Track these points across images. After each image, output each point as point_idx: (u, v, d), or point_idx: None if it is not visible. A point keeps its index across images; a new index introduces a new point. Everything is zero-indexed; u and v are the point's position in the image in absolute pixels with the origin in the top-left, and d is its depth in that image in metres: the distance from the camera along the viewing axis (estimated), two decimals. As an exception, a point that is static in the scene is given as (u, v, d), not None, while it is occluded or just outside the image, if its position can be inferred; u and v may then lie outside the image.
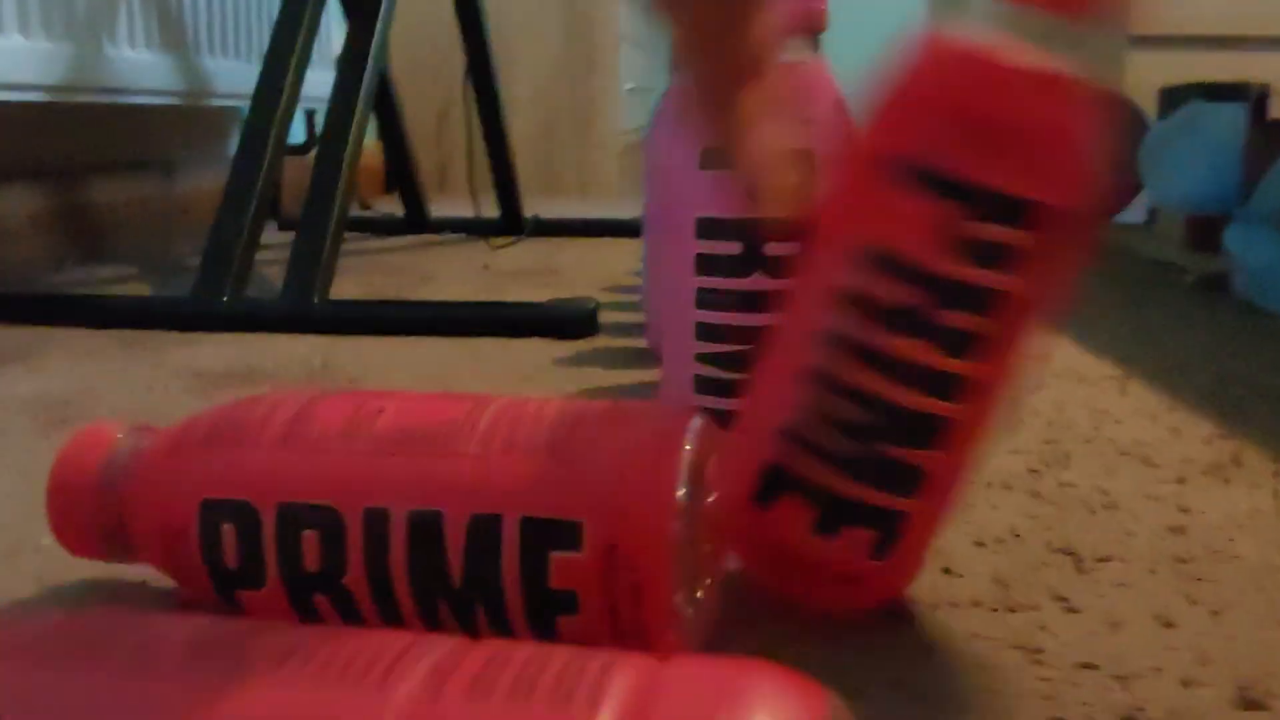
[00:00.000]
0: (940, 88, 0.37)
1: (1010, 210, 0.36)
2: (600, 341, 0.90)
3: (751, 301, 0.48)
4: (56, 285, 1.14)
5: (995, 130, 0.36)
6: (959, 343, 0.37)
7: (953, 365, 0.37)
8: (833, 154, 0.49)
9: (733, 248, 0.48)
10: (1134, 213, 1.82)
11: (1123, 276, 1.27)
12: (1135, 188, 1.70)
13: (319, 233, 0.97)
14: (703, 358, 0.50)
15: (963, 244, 0.36)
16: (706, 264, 0.49)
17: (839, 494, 0.38)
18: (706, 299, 0.49)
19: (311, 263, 0.95)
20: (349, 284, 1.15)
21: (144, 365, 0.80)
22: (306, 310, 0.93)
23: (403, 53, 2.30)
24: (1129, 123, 1.69)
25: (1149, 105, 1.73)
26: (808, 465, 0.38)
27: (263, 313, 0.92)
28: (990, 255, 0.36)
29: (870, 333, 0.37)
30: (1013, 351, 0.38)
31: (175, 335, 0.90)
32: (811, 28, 0.51)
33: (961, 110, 0.36)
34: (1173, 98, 1.71)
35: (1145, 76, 2.37)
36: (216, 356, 0.83)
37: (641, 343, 0.89)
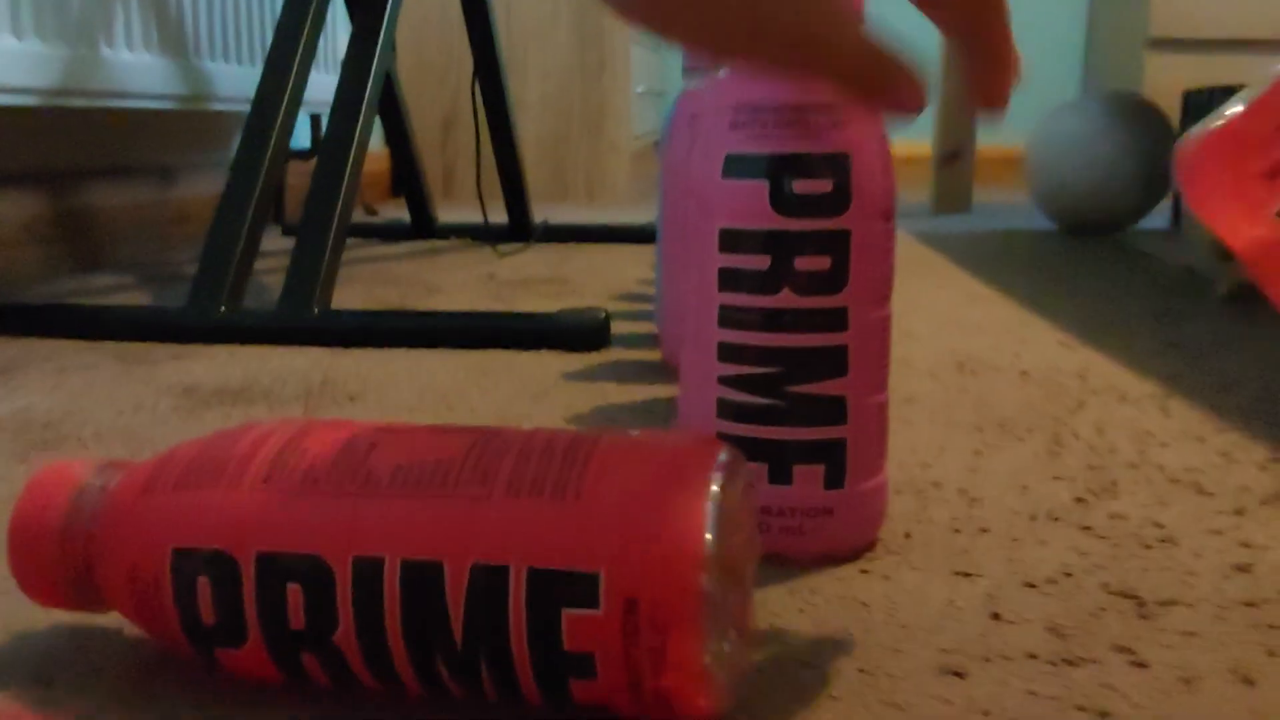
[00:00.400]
0: None
1: None
2: (613, 354, 0.87)
3: (779, 320, 0.45)
4: (49, 295, 1.10)
5: None
6: None
7: None
8: (869, 161, 0.46)
9: (760, 261, 0.45)
10: (1157, 218, 1.78)
11: (1152, 285, 1.22)
12: (1158, 192, 1.66)
13: (319, 240, 0.93)
14: (725, 380, 0.46)
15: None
16: (730, 279, 0.45)
17: None
18: (730, 317, 0.46)
19: (311, 272, 0.91)
20: (351, 293, 1.12)
21: (134, 381, 0.76)
22: (305, 322, 0.89)
23: (410, 55, 2.27)
24: (1152, 127, 1.65)
25: (1172, 109, 1.69)
26: None
27: (260, 324, 0.88)
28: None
29: None
30: None
31: (169, 348, 0.86)
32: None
33: None
34: (1197, 101, 1.67)
35: (1168, 79, 2.33)
36: (210, 372, 0.79)
37: (656, 355, 0.85)
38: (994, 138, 2.50)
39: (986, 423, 0.67)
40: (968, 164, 2.08)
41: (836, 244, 0.44)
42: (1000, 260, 1.42)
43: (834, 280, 0.44)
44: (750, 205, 0.44)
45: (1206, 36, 2.37)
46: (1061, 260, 1.43)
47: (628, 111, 2.33)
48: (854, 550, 0.47)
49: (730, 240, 0.45)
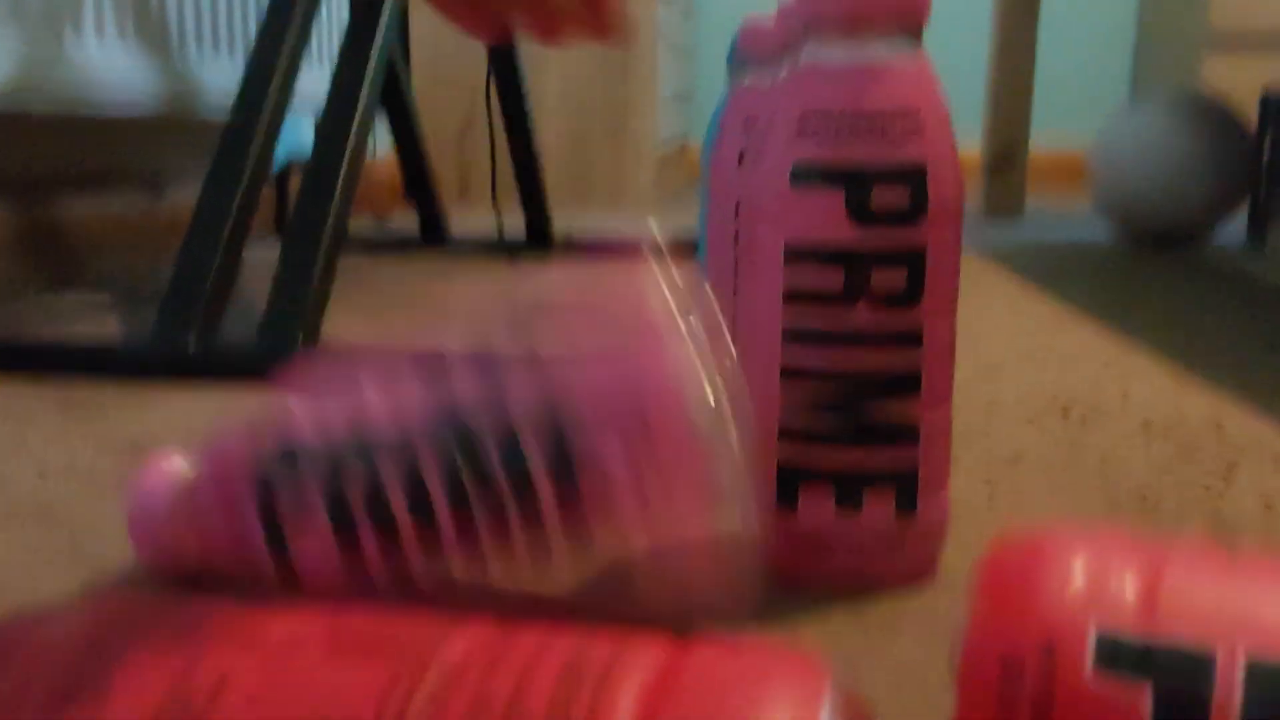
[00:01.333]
0: None
1: None
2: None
3: (855, 339, 0.41)
4: (11, 318, 0.98)
5: None
6: None
7: None
8: (943, 169, 0.40)
9: (833, 276, 0.40)
10: (1232, 230, 1.64)
11: (1249, 307, 1.08)
12: (1234, 201, 1.52)
13: (305, 261, 0.81)
14: (791, 403, 0.42)
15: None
16: (798, 295, 0.41)
17: None
18: (798, 335, 0.41)
19: (296, 298, 0.79)
20: (350, 317, 0.99)
21: (75, 435, 0.64)
22: (287, 357, 0.76)
23: (423, 54, 2.15)
24: (1227, 129, 1.51)
25: (1249, 111, 1.55)
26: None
27: (235, 360, 0.76)
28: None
29: None
30: None
31: (125, 390, 0.73)
32: (911, 21, 0.41)
33: None
34: (1278, 103, 1.52)
35: (1232, 79, 2.18)
36: (171, 420, 0.67)
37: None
38: (1047, 140, 2.36)
39: (1120, 493, 0.54)
40: (1020, 168, 1.94)
41: (913, 257, 0.41)
42: (1071, 275, 1.28)
43: (910, 295, 0.41)
44: (823, 216, 0.40)
45: (1275, 31, 2.22)
46: (1138, 276, 1.29)
47: (654, 114, 2.20)
48: (923, 573, 0.44)
49: (798, 254, 0.41)
